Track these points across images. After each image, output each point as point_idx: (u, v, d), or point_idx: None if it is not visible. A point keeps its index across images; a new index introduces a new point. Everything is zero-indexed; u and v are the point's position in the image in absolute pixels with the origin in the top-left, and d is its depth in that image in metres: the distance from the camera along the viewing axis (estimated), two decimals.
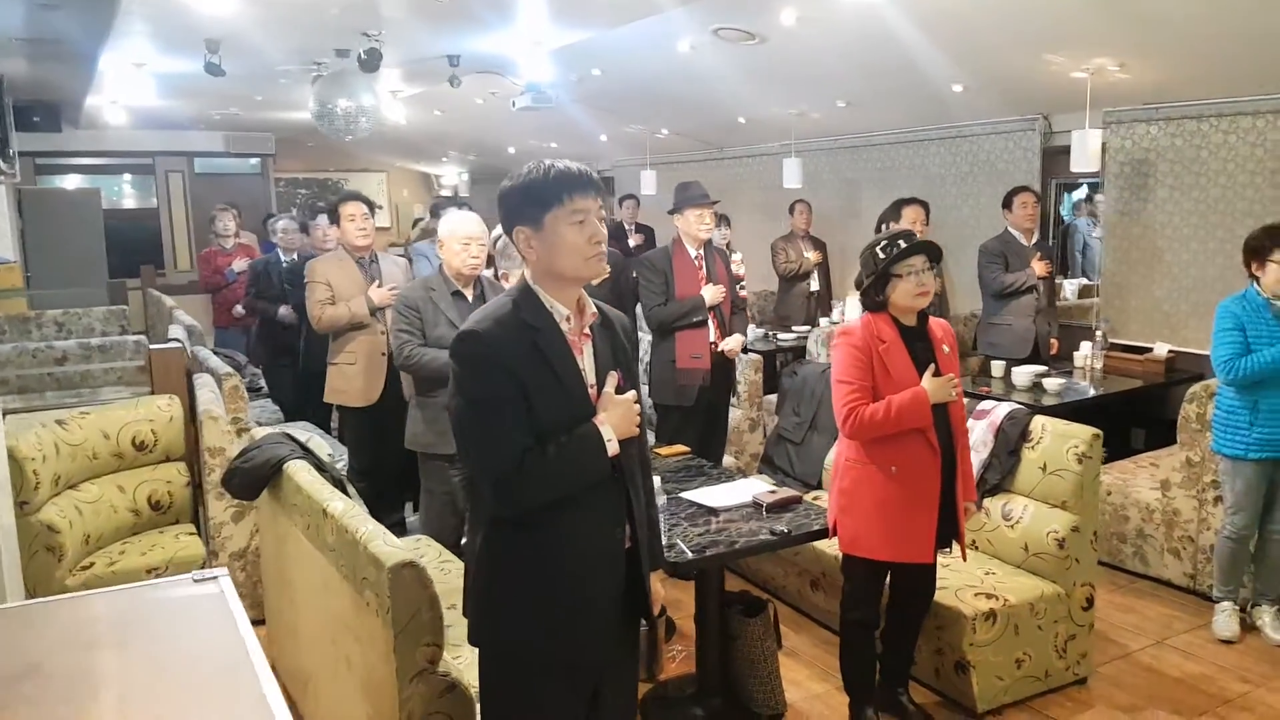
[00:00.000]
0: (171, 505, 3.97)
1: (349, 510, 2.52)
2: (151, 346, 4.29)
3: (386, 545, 2.24)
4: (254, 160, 12.57)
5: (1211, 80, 4.88)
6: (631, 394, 1.99)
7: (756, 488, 3.28)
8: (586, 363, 1.97)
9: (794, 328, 6.95)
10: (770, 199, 8.17)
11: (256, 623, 3.73)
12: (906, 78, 5.79)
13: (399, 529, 4.76)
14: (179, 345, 4.38)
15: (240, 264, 7.60)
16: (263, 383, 6.83)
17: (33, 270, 9.45)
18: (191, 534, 3.88)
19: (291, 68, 6.29)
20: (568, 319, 1.95)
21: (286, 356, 6.29)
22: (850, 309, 7.06)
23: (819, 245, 7.27)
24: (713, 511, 3.07)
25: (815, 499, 3.91)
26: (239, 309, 7.54)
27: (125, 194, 12.74)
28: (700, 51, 5.84)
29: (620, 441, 1.92)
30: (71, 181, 11.98)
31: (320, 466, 3.17)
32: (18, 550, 3.08)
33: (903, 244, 2.80)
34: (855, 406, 2.79)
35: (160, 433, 4.00)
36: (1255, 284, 3.58)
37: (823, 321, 6.90)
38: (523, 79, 6.96)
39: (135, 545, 3.73)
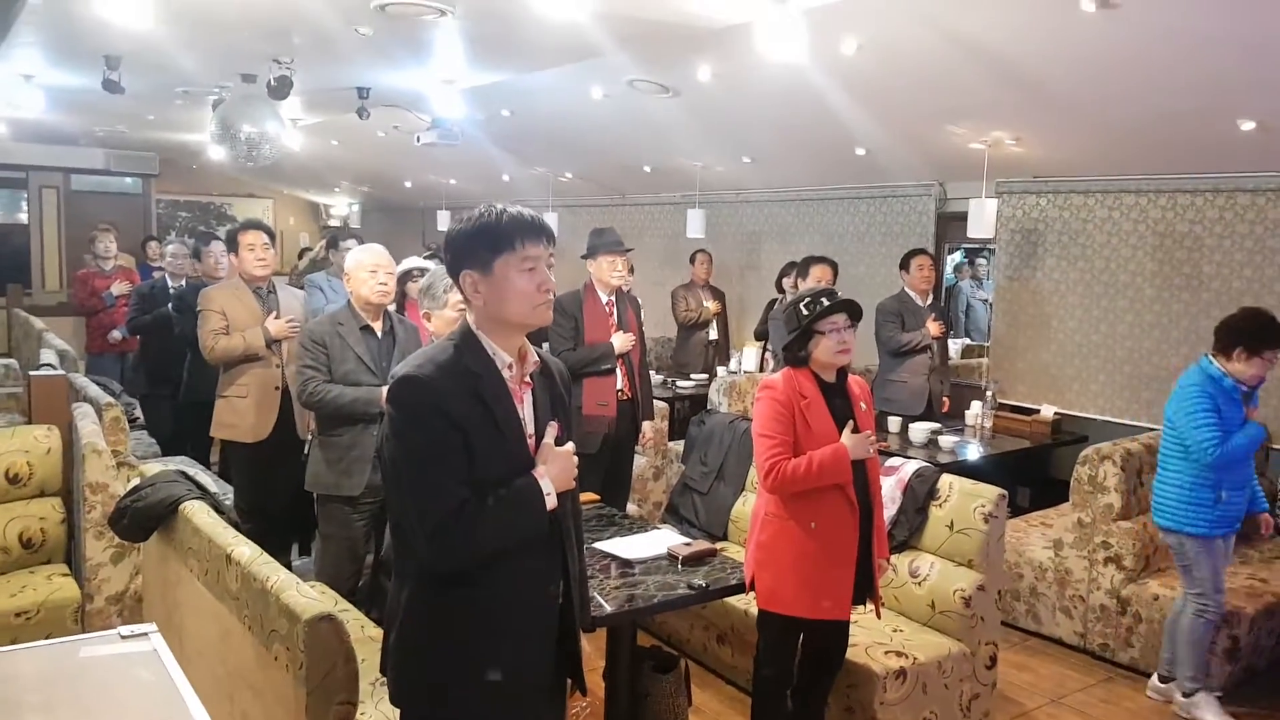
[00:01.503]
0: (44, 544, 3.70)
1: (257, 557, 2.39)
2: (33, 373, 4.01)
3: (301, 596, 2.13)
4: (134, 180, 12.01)
5: (1098, 158, 5.24)
6: (570, 446, 1.97)
7: (670, 539, 3.27)
8: (526, 412, 1.94)
9: (692, 375, 7.04)
10: (672, 247, 8.29)
11: None
12: (812, 137, 6.00)
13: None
14: (62, 373, 4.10)
15: (120, 287, 7.22)
16: (139, 413, 6.45)
17: None
18: (65, 575, 3.61)
19: (191, 89, 6.06)
20: (510, 366, 1.91)
21: (166, 386, 5.97)
22: (748, 358, 7.23)
23: (718, 295, 7.39)
24: (628, 564, 3.04)
25: (722, 550, 3.93)
26: (116, 334, 7.15)
27: None
28: (613, 100, 5.91)
29: (558, 495, 1.89)
30: None
31: (219, 508, 3.00)
32: None
33: (825, 301, 2.87)
34: (778, 461, 2.81)
35: (36, 465, 3.73)
36: (1217, 363, 3.50)
37: (721, 370, 7.02)
38: (430, 115, 6.91)
39: (4, 585, 3.45)
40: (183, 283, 6.16)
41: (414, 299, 4.90)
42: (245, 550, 2.43)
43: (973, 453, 5.00)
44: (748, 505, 4.11)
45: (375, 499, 3.69)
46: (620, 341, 4.30)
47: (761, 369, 6.85)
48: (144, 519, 2.93)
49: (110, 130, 9.19)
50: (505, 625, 1.85)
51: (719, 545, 4.04)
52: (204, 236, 6.03)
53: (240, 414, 4.25)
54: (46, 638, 3.36)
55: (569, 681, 2.05)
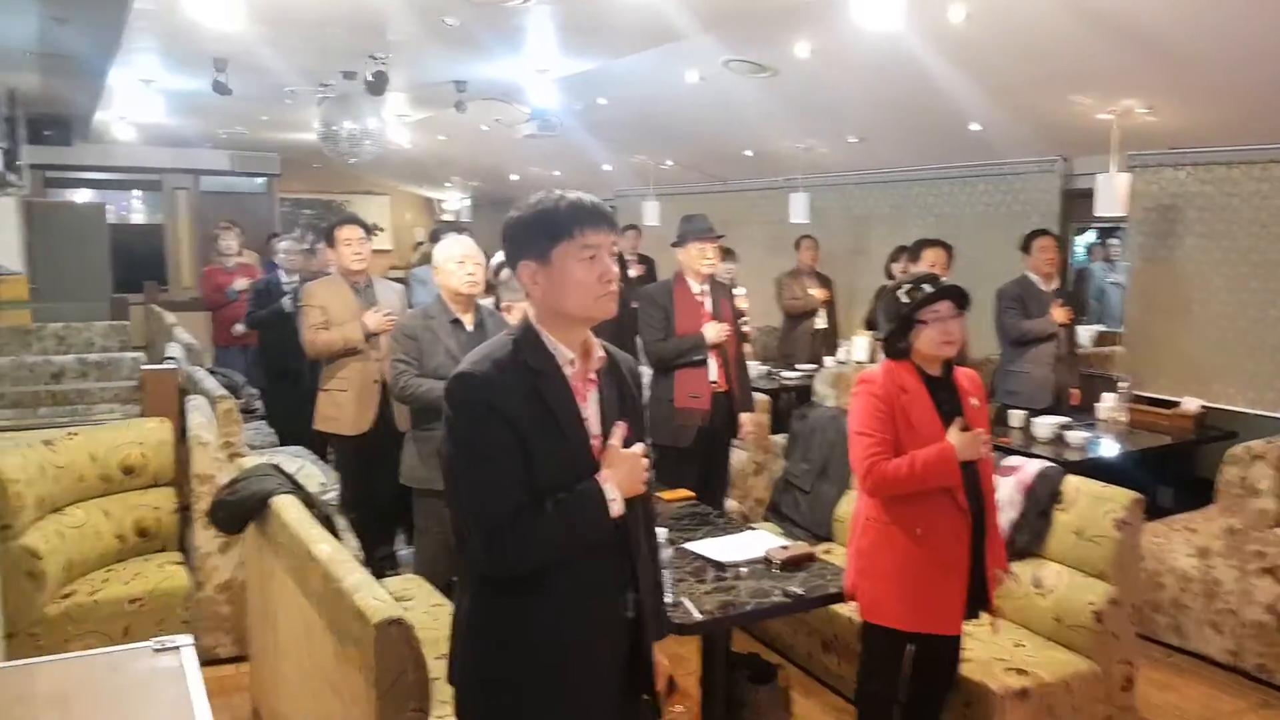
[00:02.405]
0: (158, 532, 3.82)
1: (336, 555, 2.37)
2: (144, 367, 4.16)
3: (373, 598, 2.09)
4: (260, 180, 12.52)
5: (1244, 126, 4.76)
6: (639, 448, 1.84)
7: (766, 541, 3.12)
8: (591, 411, 1.82)
9: (798, 365, 6.82)
10: (776, 233, 8.06)
11: (240, 659, 3.62)
12: (922, 114, 5.69)
13: (389, 562, 4.60)
14: (172, 366, 4.24)
15: (241, 283, 7.48)
16: (258, 404, 6.68)
17: (38, 283, 9.37)
18: (178, 563, 3.72)
19: (298, 89, 6.21)
20: (572, 362, 1.80)
21: (284, 378, 6.14)
22: (857, 348, 6.95)
23: (825, 282, 7.14)
24: (720, 567, 2.90)
25: (826, 552, 3.74)
26: (239, 328, 7.42)
27: (135, 209, 12.68)
28: (709, 83, 5.76)
29: (625, 501, 1.77)
30: (82, 195, 11.92)
31: (310, 502, 3.02)
32: None
33: (928, 288, 2.66)
34: (876, 461, 2.62)
35: (150, 456, 3.85)
36: None
37: (828, 360, 6.78)
38: (529, 106, 6.89)
39: (119, 573, 3.57)
40: (296, 278, 6.34)
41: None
42: (325, 548, 2.42)
43: (1106, 449, 4.62)
44: (851, 504, 3.91)
45: None
46: (713, 332, 4.15)
47: (873, 359, 6.58)
48: (238, 512, 2.97)
49: (231, 132, 9.58)
50: (569, 637, 1.75)
51: (823, 547, 3.89)
52: (320, 233, 6.17)
53: (341, 407, 4.31)
54: (158, 625, 3.49)
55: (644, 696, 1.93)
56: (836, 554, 3.73)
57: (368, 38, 4.90)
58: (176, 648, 1.52)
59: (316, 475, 4.51)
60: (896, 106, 5.65)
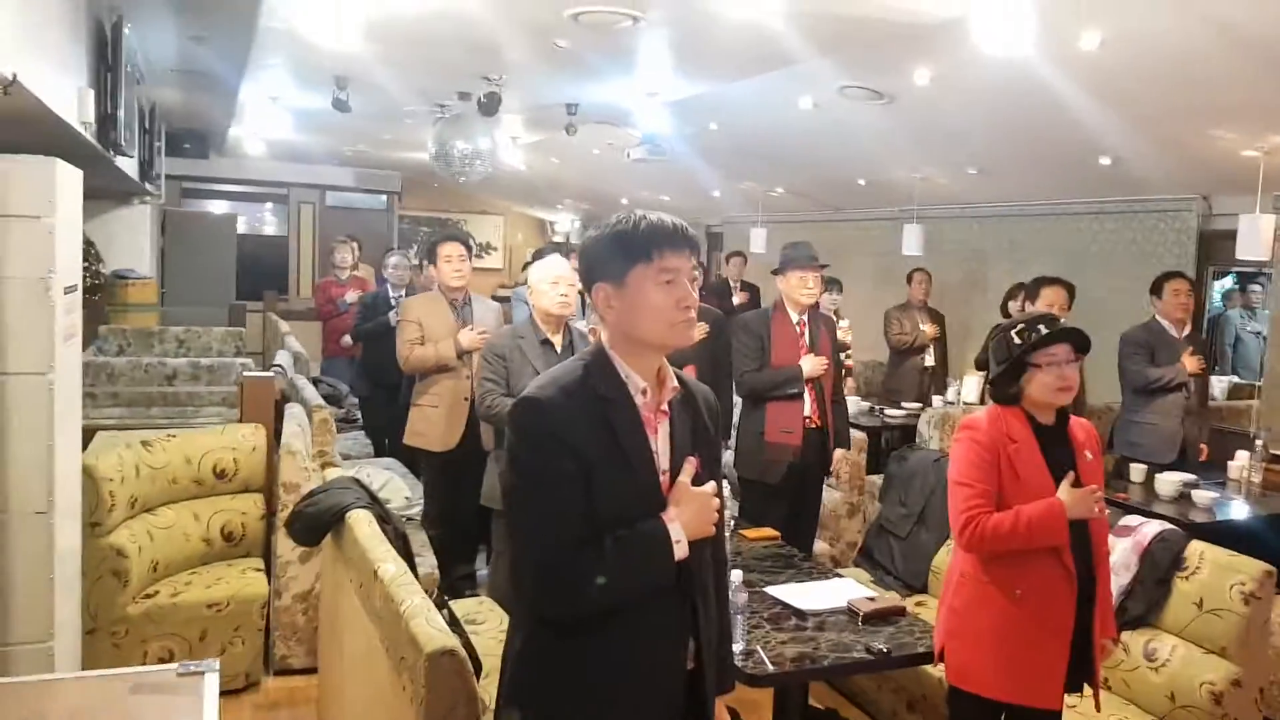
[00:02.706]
0: (244, 538, 3.88)
1: (400, 577, 2.31)
2: (245, 374, 4.25)
3: (429, 626, 2.02)
4: (381, 197, 12.93)
5: None
6: (711, 486, 1.72)
7: (852, 590, 2.93)
8: (661, 445, 1.71)
9: (904, 404, 6.53)
10: (886, 266, 7.80)
11: (311, 671, 3.63)
12: (1047, 145, 5.40)
13: (468, 582, 4.57)
14: (271, 374, 4.33)
15: (352, 295, 7.69)
16: (358, 414, 6.83)
17: (168, 287, 9.88)
18: (259, 570, 3.77)
19: (416, 108, 6.35)
20: (644, 391, 1.70)
21: (383, 390, 6.25)
22: (967, 388, 6.62)
23: (937, 318, 6.86)
24: (801, 615, 2.73)
25: (919, 605, 3.52)
26: (346, 339, 7.61)
27: (268, 221, 13.28)
28: (823, 109, 5.60)
29: (691, 543, 1.65)
30: (218, 206, 12.56)
31: (384, 517, 2.99)
32: (78, 574, 3.00)
33: (1044, 329, 2.46)
34: (976, 514, 2.41)
35: (242, 462, 3.93)
36: None
37: (936, 400, 6.48)
38: (639, 130, 6.87)
39: (201, 576, 3.64)
40: (402, 293, 6.46)
41: None
42: (390, 568, 2.37)
43: (1236, 512, 4.23)
44: (951, 557, 3.67)
45: None
46: (810, 365, 3.98)
47: (983, 401, 6.25)
48: (314, 524, 2.96)
49: (355, 150, 9.91)
50: (622, 686, 1.63)
51: (916, 599, 3.65)
52: (428, 252, 6.29)
53: (430, 423, 4.31)
54: (234, 631, 3.53)
55: None
56: (930, 607, 3.51)
57: (482, 59, 4.95)
58: (200, 673, 1.47)
59: (402, 489, 4.54)
60: (1020, 136, 5.38)
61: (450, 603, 3.45)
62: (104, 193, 7.57)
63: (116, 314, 7.98)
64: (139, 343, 7.15)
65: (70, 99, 3.06)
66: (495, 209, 14.06)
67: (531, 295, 3.68)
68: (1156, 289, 4.97)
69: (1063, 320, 2.57)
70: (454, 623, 2.76)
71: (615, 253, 1.67)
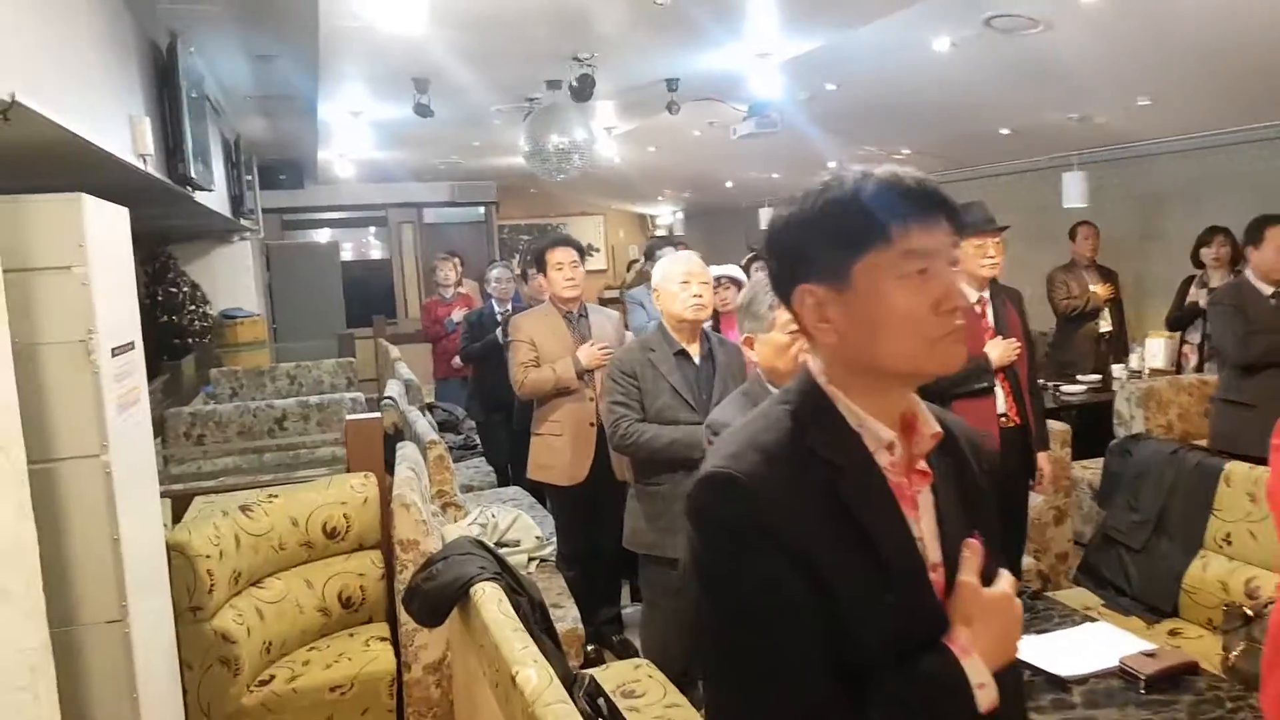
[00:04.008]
0: (364, 602, 3.45)
1: (545, 688, 1.79)
2: (349, 417, 3.84)
3: None
4: (479, 209, 12.65)
5: None
6: (1007, 581, 1.12)
7: (1116, 640, 2.26)
8: (926, 525, 1.12)
9: (1079, 377, 5.73)
10: (1039, 223, 6.92)
11: None
12: (1235, 60, 4.53)
13: (614, 625, 4.07)
14: (377, 416, 3.90)
15: (458, 314, 7.33)
16: (478, 439, 6.44)
17: (278, 322, 9.79)
18: (384, 639, 3.32)
19: (503, 106, 5.89)
20: (891, 446, 1.11)
21: (499, 413, 5.82)
22: (1153, 353, 5.77)
23: (1109, 276, 6.03)
24: (1060, 684, 2.09)
25: (1172, 634, 2.80)
26: (457, 360, 7.26)
27: (373, 245, 13.19)
28: (963, 49, 4.87)
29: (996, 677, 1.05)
30: (321, 236, 12.51)
31: (515, 587, 2.49)
32: (177, 671, 2.60)
33: None
34: None
35: (353, 517, 3.49)
36: None
37: (1117, 370, 5.67)
38: (744, 104, 6.27)
39: (321, 654, 3.21)
40: (508, 307, 6.02)
41: (728, 313, 4.25)
42: (532, 675, 1.84)
43: None
44: (1209, 571, 2.94)
45: None
46: (998, 351, 3.28)
47: (1178, 369, 5.39)
48: (435, 602, 2.48)
49: (447, 162, 9.59)
50: None
51: (1166, 625, 2.93)
52: (528, 257, 5.85)
53: (556, 454, 3.82)
54: (363, 714, 3.09)
55: None
56: (1187, 637, 2.81)
57: (570, 37, 4.43)
58: None
59: (532, 528, 4.05)
60: (1199, 55, 4.53)
61: (601, 671, 2.94)
62: (199, 232, 7.42)
63: (228, 354, 7.84)
64: (251, 383, 6.94)
65: (116, 127, 2.66)
66: (594, 209, 13.63)
67: (659, 299, 3.13)
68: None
69: None
70: (609, 711, 2.23)
71: (827, 236, 1.09)
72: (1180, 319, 5.37)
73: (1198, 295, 5.21)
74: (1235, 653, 2.46)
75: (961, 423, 1.28)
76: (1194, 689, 2.05)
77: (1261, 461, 3.63)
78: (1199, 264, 5.29)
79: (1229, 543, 2.96)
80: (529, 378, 3.76)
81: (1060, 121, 5.93)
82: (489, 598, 2.29)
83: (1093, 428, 4.66)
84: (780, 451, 1.07)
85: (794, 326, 2.30)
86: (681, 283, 3.05)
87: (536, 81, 5.21)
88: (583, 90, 4.62)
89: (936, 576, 1.10)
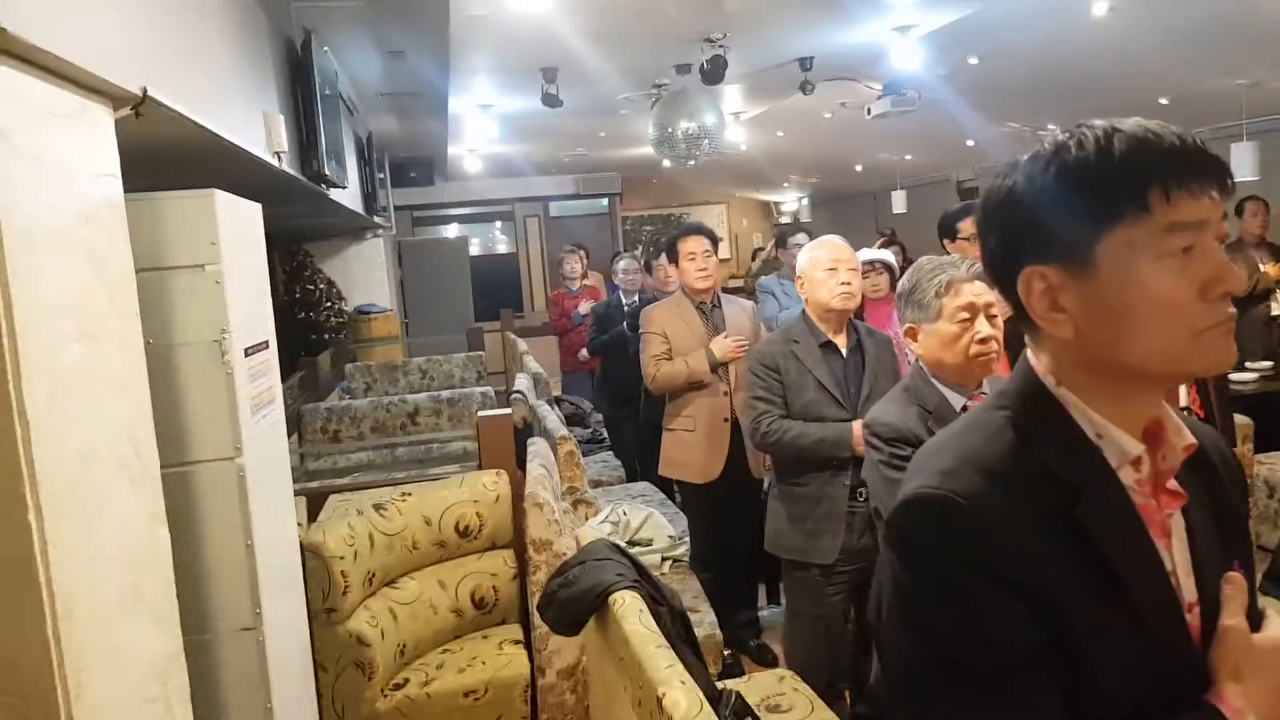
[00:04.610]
0: (497, 603, 3.38)
1: (693, 710, 1.63)
2: (480, 414, 3.78)
3: None
4: (603, 200, 12.64)
5: None
6: (1277, 626, 0.90)
7: None
8: (1179, 555, 0.92)
9: (1249, 364, 5.23)
10: None
11: None
12: None
13: (751, 629, 3.89)
14: (507, 412, 3.83)
15: (585, 306, 7.27)
16: (605, 433, 6.36)
17: (410, 318, 9.99)
18: (518, 642, 3.25)
19: (631, 95, 5.76)
20: (1137, 461, 0.90)
21: (627, 407, 5.71)
22: None
23: (1279, 255, 5.50)
24: None
25: None
26: (584, 353, 7.20)
27: (498, 239, 13.39)
28: (1121, 15, 4.47)
29: None
30: (450, 231, 12.76)
31: (656, 596, 2.34)
32: (311, 675, 2.57)
33: None
34: None
35: (486, 515, 3.43)
36: None
37: None
38: (879, 82, 5.95)
39: (454, 657, 3.15)
40: (635, 299, 5.91)
41: (875, 300, 3.99)
42: (681, 699, 1.69)
43: None
44: None
45: (854, 565, 2.85)
46: None
47: None
48: (572, 611, 2.35)
49: (572, 154, 9.57)
50: None
51: None
52: (654, 249, 5.71)
53: (689, 450, 3.66)
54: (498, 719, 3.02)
55: None
56: None
57: (703, 15, 4.26)
58: None
59: (665, 527, 3.91)
60: None
61: (743, 683, 2.77)
62: (334, 230, 7.60)
63: (363, 350, 8.02)
64: (384, 378, 7.06)
65: (250, 124, 2.64)
66: (717, 197, 13.43)
67: (803, 287, 2.93)
68: None
69: None
70: None
71: (1068, 207, 0.88)
72: None
73: None
74: None
75: (1212, 432, 1.05)
76: None
77: None
78: None
79: None
80: (661, 371, 3.61)
81: (1228, 88, 5.41)
82: (629, 608, 2.15)
83: (1268, 419, 4.21)
84: (1003, 468, 0.89)
85: (965, 315, 2.08)
86: (828, 269, 2.85)
87: (665, 67, 5.06)
88: (714, 72, 4.44)
89: (1192, 618, 0.91)
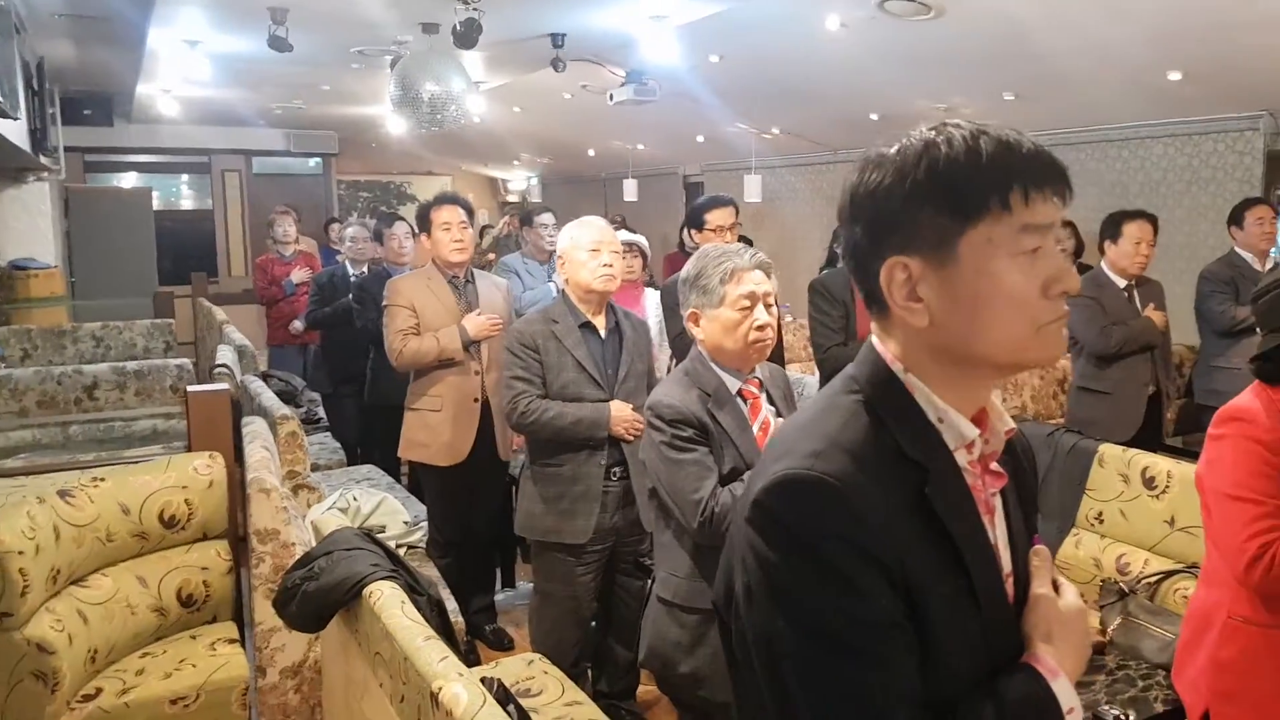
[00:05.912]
0: (208, 600, 3.00)
1: (476, 704, 1.51)
2: (191, 389, 3.34)
3: None
4: (315, 160, 11.77)
5: None
6: (1071, 595, 1.01)
7: None
8: (999, 533, 1.00)
9: None
10: None
11: None
12: (1101, 59, 4.71)
13: (487, 615, 3.78)
14: (224, 388, 3.41)
15: (300, 274, 6.70)
16: (321, 413, 5.90)
17: (78, 277, 8.71)
18: (232, 641, 2.90)
19: (367, 48, 5.37)
20: (971, 445, 0.97)
21: (350, 385, 5.34)
22: None
23: None
24: None
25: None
26: (297, 325, 6.62)
27: (184, 194, 12.02)
28: (852, 31, 4.84)
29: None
30: (128, 180, 11.26)
31: (414, 585, 2.18)
32: None
33: None
34: (1271, 540, 1.76)
35: (197, 503, 3.02)
36: None
37: None
38: (623, 69, 6.03)
39: (159, 659, 2.76)
40: (364, 270, 5.53)
41: (630, 283, 4.02)
42: (460, 692, 1.56)
43: None
44: (1082, 548, 3.03)
45: (603, 544, 2.85)
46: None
47: None
48: (318, 606, 2.13)
49: (287, 107, 8.81)
50: None
51: None
52: (386, 217, 5.35)
53: (434, 431, 3.47)
54: None
55: None
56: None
57: None
58: None
59: (399, 512, 3.69)
60: (1072, 52, 4.68)
61: (492, 669, 2.66)
62: None
63: (19, 311, 6.89)
64: (48, 344, 6.10)
65: None
66: (442, 169, 13.00)
67: (564, 268, 2.86)
68: (1236, 219, 4.43)
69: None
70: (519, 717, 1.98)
71: (936, 202, 0.91)
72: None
73: None
74: (1113, 627, 2.53)
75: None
76: (1104, 669, 2.02)
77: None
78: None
79: (1101, 521, 3.06)
80: (408, 347, 3.38)
81: (927, 110, 6.01)
82: (389, 600, 1.97)
83: None
84: (863, 450, 0.92)
85: (746, 303, 2.12)
86: (591, 250, 2.80)
87: (410, 23, 4.75)
88: (467, 35, 4.23)
89: (1008, 587, 1.00)
